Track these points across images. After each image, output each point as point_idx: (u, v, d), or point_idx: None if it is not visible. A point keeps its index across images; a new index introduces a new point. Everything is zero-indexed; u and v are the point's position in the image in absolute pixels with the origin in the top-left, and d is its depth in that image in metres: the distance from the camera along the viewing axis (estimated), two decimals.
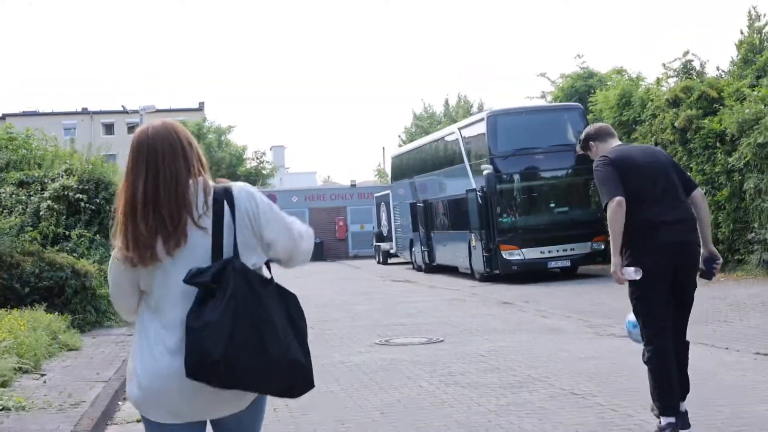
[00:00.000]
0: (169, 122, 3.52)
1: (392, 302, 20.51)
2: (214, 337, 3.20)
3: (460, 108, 57.89)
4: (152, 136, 3.43)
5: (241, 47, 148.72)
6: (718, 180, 21.46)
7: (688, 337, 6.56)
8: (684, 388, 6.43)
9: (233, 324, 3.23)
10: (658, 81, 24.92)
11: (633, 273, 6.26)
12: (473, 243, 25.76)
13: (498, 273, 24.48)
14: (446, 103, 61.86)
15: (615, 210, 6.21)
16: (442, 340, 13.08)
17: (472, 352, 11.64)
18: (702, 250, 6.50)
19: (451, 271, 29.46)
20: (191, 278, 3.29)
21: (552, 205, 24.65)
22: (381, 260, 41.80)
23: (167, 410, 3.38)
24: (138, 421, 8.40)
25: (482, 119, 25.54)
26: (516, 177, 24.52)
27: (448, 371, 10.18)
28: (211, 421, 3.53)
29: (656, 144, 23.47)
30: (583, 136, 6.96)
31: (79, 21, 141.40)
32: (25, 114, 76.52)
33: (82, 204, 16.92)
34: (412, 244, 34.02)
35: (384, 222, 41.70)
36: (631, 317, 6.63)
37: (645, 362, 6.37)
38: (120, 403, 9.38)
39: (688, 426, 6.33)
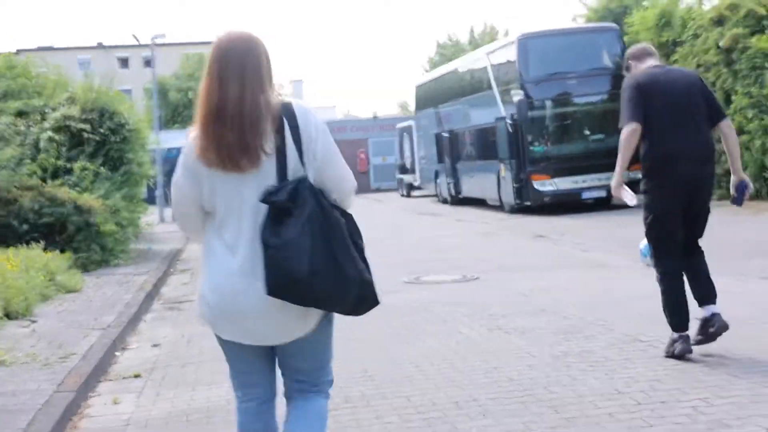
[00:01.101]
0: (250, 34, 3.49)
1: (419, 237, 19.36)
2: (296, 255, 3.24)
3: (486, 35, 55.92)
4: (239, 46, 3.43)
5: None
6: (767, 103, 20.00)
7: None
8: (708, 291, 6.58)
9: (312, 243, 3.27)
10: None
11: (629, 198, 6.56)
12: (502, 173, 24.53)
13: (529, 205, 23.26)
14: (471, 31, 59.79)
15: (628, 137, 6.40)
16: (477, 278, 11.90)
17: (512, 291, 10.46)
18: (732, 178, 6.68)
19: (478, 203, 28.26)
20: (267, 197, 3.30)
21: (587, 132, 23.21)
22: (404, 193, 40.66)
23: (239, 329, 3.44)
24: (135, 376, 7.32)
25: (512, 42, 24.00)
26: (548, 103, 23.09)
27: (488, 314, 9.00)
28: (285, 352, 3.58)
29: (698, 66, 22.02)
30: (626, 56, 7.08)
31: None
32: (40, 49, 75.09)
33: (86, 135, 15.73)
34: (437, 175, 32.81)
35: (407, 153, 40.41)
36: (645, 242, 7.00)
37: (657, 281, 6.69)
38: (117, 354, 8.25)
39: (725, 326, 6.46)
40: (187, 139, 3.47)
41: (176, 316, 10.45)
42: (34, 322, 9.08)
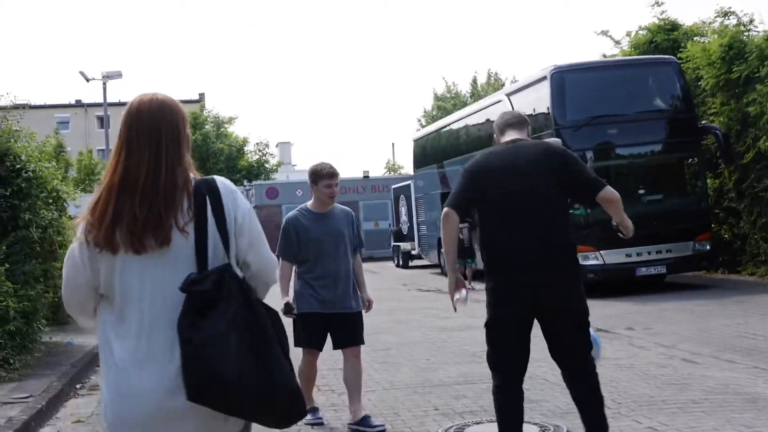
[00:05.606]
0: (166, 97, 3.10)
1: (433, 328, 14.38)
2: (222, 355, 2.80)
3: (490, 87, 51.39)
4: (156, 111, 3.05)
5: (244, 38, 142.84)
6: None
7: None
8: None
9: (238, 343, 2.84)
10: None
11: (460, 301, 5.65)
12: None
13: None
14: (474, 81, 55.21)
15: (442, 221, 5.53)
16: (564, 431, 6.94)
17: None
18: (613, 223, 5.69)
19: None
20: (189, 285, 2.90)
21: (640, 191, 18.34)
22: (400, 263, 35.65)
23: None
24: None
25: (544, 78, 19.16)
26: (590, 154, 18.16)
27: None
28: None
29: None
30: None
31: (78, 11, 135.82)
32: (16, 106, 70.69)
33: None
34: (440, 243, 27.91)
35: (404, 218, 35.48)
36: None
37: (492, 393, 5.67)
38: None
39: None
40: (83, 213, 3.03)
41: None
42: None
